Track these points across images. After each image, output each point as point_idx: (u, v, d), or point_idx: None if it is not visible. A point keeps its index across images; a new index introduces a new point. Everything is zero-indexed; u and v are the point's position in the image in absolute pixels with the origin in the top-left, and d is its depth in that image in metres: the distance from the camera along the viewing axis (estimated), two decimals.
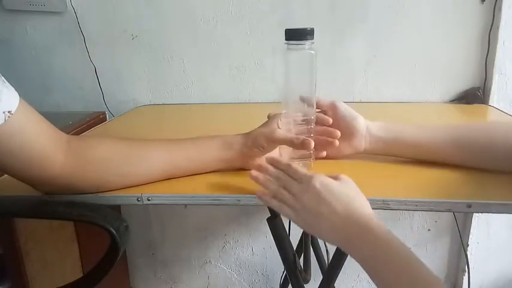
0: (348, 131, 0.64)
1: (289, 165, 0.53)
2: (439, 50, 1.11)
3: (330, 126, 0.65)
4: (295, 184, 0.51)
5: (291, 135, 0.60)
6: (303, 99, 0.62)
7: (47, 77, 1.25)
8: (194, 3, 1.15)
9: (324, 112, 0.66)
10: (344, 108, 0.65)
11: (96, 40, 1.20)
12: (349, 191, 0.49)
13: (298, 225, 0.50)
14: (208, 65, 1.19)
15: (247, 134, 0.63)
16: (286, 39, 0.59)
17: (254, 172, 0.55)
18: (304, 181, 0.50)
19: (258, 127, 0.63)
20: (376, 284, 0.43)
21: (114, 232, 0.53)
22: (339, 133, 0.63)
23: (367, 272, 0.44)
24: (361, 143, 0.64)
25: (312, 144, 0.59)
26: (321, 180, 0.49)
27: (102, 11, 1.18)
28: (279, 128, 0.61)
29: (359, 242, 0.45)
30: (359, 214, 0.46)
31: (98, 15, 1.18)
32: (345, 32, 1.12)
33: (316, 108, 0.64)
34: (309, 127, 0.62)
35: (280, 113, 0.63)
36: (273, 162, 0.55)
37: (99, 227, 0.54)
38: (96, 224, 0.54)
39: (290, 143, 0.60)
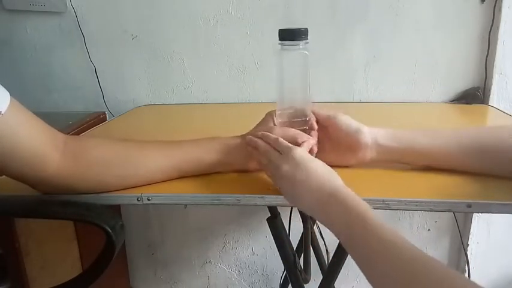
0: (351, 145, 0.61)
1: (275, 139, 0.56)
2: (439, 50, 1.11)
3: (330, 135, 0.62)
4: (277, 155, 0.55)
5: (290, 129, 0.59)
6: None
7: (47, 77, 1.25)
8: (194, 3, 1.15)
9: (323, 127, 0.62)
10: (344, 122, 0.61)
11: (96, 40, 1.20)
12: (323, 164, 0.53)
13: (283, 195, 0.54)
14: (208, 65, 1.19)
15: (245, 136, 0.62)
16: (280, 40, 0.58)
17: (248, 148, 0.60)
18: (285, 152, 0.54)
19: (255, 127, 0.63)
20: (354, 258, 0.43)
21: (110, 231, 0.53)
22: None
23: (342, 243, 0.45)
24: (366, 154, 0.61)
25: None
26: (299, 152, 0.53)
27: (102, 11, 1.18)
28: (275, 125, 0.61)
29: (329, 207, 0.47)
30: (331, 183, 0.49)
31: (98, 15, 1.18)
32: (345, 32, 1.12)
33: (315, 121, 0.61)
34: (305, 127, 0.61)
35: (275, 110, 0.62)
36: (263, 137, 0.58)
37: (95, 226, 0.54)
38: (92, 222, 0.54)
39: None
